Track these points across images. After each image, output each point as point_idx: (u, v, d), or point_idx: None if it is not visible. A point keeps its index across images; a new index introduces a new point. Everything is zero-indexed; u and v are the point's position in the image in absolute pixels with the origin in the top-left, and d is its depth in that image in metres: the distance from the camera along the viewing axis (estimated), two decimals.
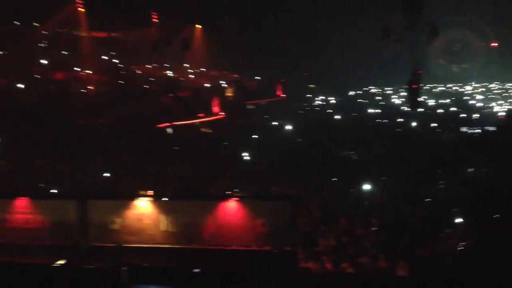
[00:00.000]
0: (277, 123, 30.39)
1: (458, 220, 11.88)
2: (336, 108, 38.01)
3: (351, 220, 12.44)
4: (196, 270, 4.87)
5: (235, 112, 34.29)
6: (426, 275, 9.13)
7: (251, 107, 39.22)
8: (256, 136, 26.36)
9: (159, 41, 33.36)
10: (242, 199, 9.76)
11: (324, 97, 44.72)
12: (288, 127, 27.98)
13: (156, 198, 9.89)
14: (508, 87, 48.83)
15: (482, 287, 6.09)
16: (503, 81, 50.78)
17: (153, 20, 37.28)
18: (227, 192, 13.39)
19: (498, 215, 12.13)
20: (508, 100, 39.55)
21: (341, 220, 12.42)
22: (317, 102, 43.46)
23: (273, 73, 43.16)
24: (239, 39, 41.61)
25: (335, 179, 16.93)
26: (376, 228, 11.78)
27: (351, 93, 49.71)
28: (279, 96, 43.23)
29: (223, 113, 32.81)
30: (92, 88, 33.37)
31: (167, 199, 10.16)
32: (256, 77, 46.60)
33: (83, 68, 34.76)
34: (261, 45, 44.40)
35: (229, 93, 40.16)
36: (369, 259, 10.11)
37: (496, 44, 53.21)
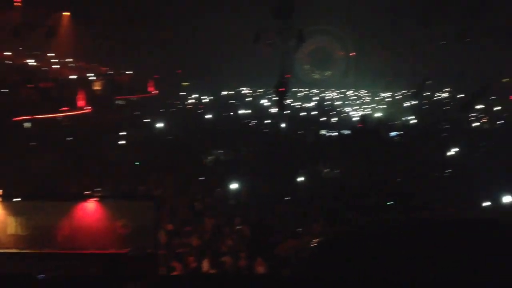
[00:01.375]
0: (147, 120, 29.69)
1: (316, 217, 12.59)
2: (208, 107, 38.28)
3: (216, 219, 12.61)
4: (41, 276, 4.56)
5: (103, 107, 32.84)
6: (281, 273, 9.50)
7: (121, 102, 37.95)
8: (125, 133, 25.57)
9: (21, 26, 30.66)
10: (101, 199, 9.34)
11: (197, 96, 44.73)
12: (159, 124, 27.46)
13: (4, 199, 9.13)
14: (362, 94, 53.24)
15: (333, 283, 6.46)
16: (358, 88, 55.27)
17: (15, 3, 34.24)
18: (87, 192, 12.75)
19: (349, 212, 13.10)
20: (362, 106, 43.02)
21: (206, 219, 12.54)
22: (190, 101, 43.27)
23: (146, 68, 42.13)
24: (112, 32, 40.00)
25: (202, 178, 17.05)
26: (240, 227, 12.07)
27: (224, 93, 50.35)
28: (151, 92, 42.31)
29: (90, 108, 31.22)
30: None
31: (18, 199, 9.37)
32: (128, 72, 45.12)
33: None
34: (135, 39, 43.08)
35: (97, 87, 38.39)
36: (231, 258, 10.32)
37: (354, 54, 57.85)
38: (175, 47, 44.69)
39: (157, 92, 42.15)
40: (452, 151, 20.48)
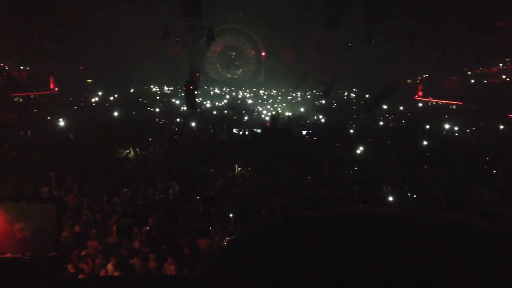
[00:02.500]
0: (48, 118, 28.05)
1: (227, 215, 12.50)
2: (115, 105, 36.92)
3: (124, 220, 12.11)
4: None
5: None
6: (193, 273, 9.34)
7: (18, 99, 35.66)
8: (23, 132, 23.98)
9: None
10: None
11: (102, 93, 42.95)
12: (61, 123, 26.03)
13: None
14: (273, 94, 54.39)
15: (245, 280, 6.36)
16: (268, 87, 56.45)
17: None
18: None
19: (262, 209, 13.17)
20: (274, 105, 43.84)
21: (113, 220, 11.99)
22: (95, 98, 41.41)
23: (46, 64, 39.70)
24: (8, 25, 37.14)
25: (109, 178, 16.33)
26: (149, 228, 11.68)
27: (132, 90, 49.05)
28: (52, 89, 40.00)
29: None
30: None
31: None
32: (26, 67, 42.31)
33: None
34: (33, 32, 40.38)
35: None
36: (140, 260, 9.96)
37: (264, 54, 59.03)
38: (79, 42, 42.57)
39: (58, 89, 39.98)
40: (358, 150, 21.35)
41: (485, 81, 41.91)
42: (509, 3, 32.37)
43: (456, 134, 28.39)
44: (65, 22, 39.33)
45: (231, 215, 12.20)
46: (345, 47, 35.81)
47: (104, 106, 37.28)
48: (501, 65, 43.33)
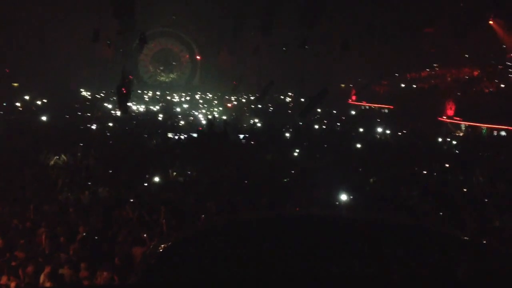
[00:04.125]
0: None
1: (162, 220, 12.14)
2: (42, 109, 35.27)
3: (53, 228, 11.50)
4: None
5: None
6: (126, 282, 8.97)
7: None
8: None
9: None
10: None
11: (28, 97, 40.85)
12: None
13: None
14: (209, 97, 54.22)
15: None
16: (204, 91, 56.21)
17: None
18: None
19: (197, 214, 12.93)
20: (210, 109, 43.67)
21: (41, 229, 11.36)
22: (19, 103, 39.21)
23: None
24: None
25: (36, 185, 15.51)
26: (80, 236, 11.15)
27: (61, 94, 46.98)
28: None
29: None
30: None
31: None
32: None
33: None
34: None
35: None
36: (70, 270, 9.47)
37: (199, 58, 58.76)
38: (5, 43, 40.45)
39: None
40: (295, 153, 21.55)
41: (414, 86, 43.84)
42: (437, 9, 34.07)
43: (387, 137, 29.40)
44: None
45: (163, 221, 11.85)
46: (280, 52, 36.30)
47: (31, 110, 35.52)
48: (428, 70, 45.62)
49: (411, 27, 35.58)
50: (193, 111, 40.87)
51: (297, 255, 7.29)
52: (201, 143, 22.94)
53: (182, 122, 32.55)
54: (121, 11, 25.73)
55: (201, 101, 51.93)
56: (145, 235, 11.18)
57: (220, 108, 44.48)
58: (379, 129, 30.75)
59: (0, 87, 40.37)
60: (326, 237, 7.56)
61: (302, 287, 4.51)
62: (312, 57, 39.98)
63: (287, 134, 27.51)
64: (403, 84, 45.23)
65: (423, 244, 7.46)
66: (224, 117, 34.38)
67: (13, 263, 9.62)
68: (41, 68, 42.60)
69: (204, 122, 32.53)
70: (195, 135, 25.58)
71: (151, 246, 10.43)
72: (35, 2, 39.99)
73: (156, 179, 16.59)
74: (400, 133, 30.44)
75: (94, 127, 28.36)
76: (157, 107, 43.27)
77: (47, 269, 9.27)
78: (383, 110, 41.89)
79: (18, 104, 37.96)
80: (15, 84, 44.06)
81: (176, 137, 25.83)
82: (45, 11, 39.63)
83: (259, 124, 32.73)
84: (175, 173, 17.79)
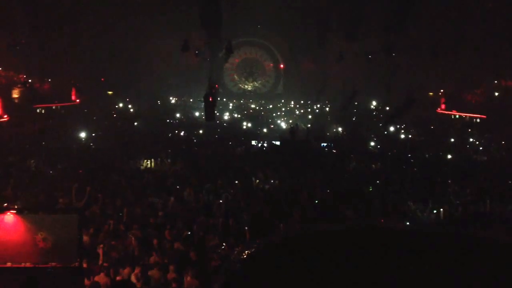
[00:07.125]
0: (69, 129, 28.39)
1: (245, 228, 12.31)
2: (134, 116, 37.27)
3: (144, 231, 12.09)
4: None
5: (21, 116, 31.09)
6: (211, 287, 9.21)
7: (40, 111, 36.15)
8: (45, 143, 24.32)
9: None
10: (19, 212, 8.69)
11: (122, 105, 43.37)
12: (82, 134, 26.29)
13: None
14: (292, 106, 54.27)
15: None
16: (288, 99, 56.37)
17: None
18: (5, 204, 11.88)
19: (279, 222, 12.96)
20: (293, 116, 43.74)
21: (133, 231, 11.97)
22: (114, 110, 41.79)
23: (67, 76, 40.24)
24: (31, 37, 37.73)
25: (130, 188, 16.37)
26: (169, 239, 11.63)
27: (153, 102, 49.33)
28: (74, 101, 40.55)
29: (6, 116, 29.38)
30: None
31: None
32: (47, 79, 42.91)
33: None
34: (53, 44, 40.99)
35: (15, 95, 36.26)
36: (159, 271, 9.91)
37: (283, 66, 59.07)
38: (99, 54, 43.13)
39: (79, 100, 40.51)
40: (379, 163, 21.07)
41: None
42: None
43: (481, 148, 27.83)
44: (86, 35, 39.89)
45: (246, 228, 12.05)
46: (364, 59, 35.57)
47: (125, 117, 37.63)
48: None
49: (504, 33, 33.51)
50: (276, 119, 41.16)
51: (385, 271, 7.11)
52: (284, 151, 23.06)
53: (265, 130, 32.92)
54: (209, 23, 26.60)
55: (283, 109, 52.16)
56: (229, 241, 11.45)
57: (304, 116, 44.39)
58: (470, 140, 29.17)
59: (97, 95, 43.15)
60: (413, 253, 7.31)
61: None
62: (398, 65, 38.80)
63: (372, 143, 26.95)
64: (497, 92, 42.56)
65: None
66: (308, 125, 34.31)
67: (105, 264, 10.20)
68: (133, 78, 44.86)
69: (287, 130, 32.69)
70: (277, 143, 25.75)
71: (235, 252, 10.66)
72: (130, 15, 42.21)
73: (239, 186, 16.92)
74: (493, 144, 28.71)
75: (182, 134, 29.48)
76: (241, 115, 43.89)
77: (136, 270, 9.77)
78: (474, 120, 39.75)
79: (113, 111, 40.44)
80: (110, 92, 46.80)
81: (259, 145, 26.16)
82: (136, 23, 41.68)
83: (343, 132, 32.30)
84: (257, 181, 18.00)
